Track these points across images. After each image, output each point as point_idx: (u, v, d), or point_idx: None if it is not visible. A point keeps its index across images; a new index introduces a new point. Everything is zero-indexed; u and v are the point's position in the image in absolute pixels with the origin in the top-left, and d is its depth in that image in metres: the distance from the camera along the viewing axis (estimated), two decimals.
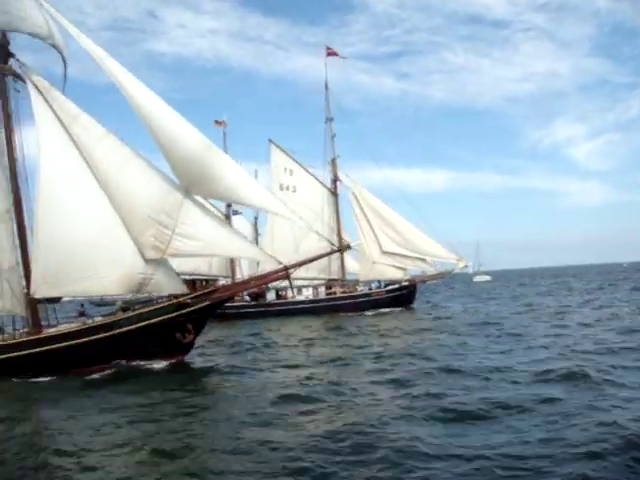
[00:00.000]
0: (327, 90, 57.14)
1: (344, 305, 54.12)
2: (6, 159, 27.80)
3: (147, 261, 26.89)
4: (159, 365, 26.53)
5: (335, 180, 58.53)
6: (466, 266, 55.70)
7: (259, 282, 30.76)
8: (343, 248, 29.38)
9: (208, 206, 34.83)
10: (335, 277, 56.62)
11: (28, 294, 27.20)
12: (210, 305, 27.56)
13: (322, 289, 55.74)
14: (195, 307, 27.03)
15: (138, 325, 26.38)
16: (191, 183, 26.96)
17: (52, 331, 26.76)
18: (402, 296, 55.62)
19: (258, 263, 40.53)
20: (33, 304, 27.43)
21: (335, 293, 56.12)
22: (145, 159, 27.37)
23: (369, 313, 51.81)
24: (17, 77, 28.26)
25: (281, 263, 28.75)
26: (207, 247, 27.65)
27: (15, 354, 25.81)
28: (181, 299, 27.08)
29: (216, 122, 60.77)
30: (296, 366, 25.15)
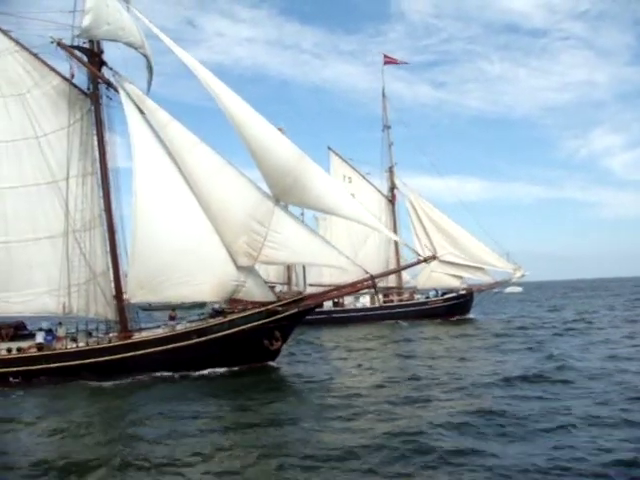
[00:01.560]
0: (384, 98, 57.59)
1: (401, 313, 54.34)
2: (98, 165, 28.53)
3: (239, 268, 27.43)
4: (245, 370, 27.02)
5: (392, 188, 58.87)
6: (523, 275, 55.59)
7: (346, 291, 31.16)
8: (429, 258, 29.64)
9: None
10: (392, 285, 56.92)
11: (120, 299, 27.91)
12: (298, 313, 27.96)
13: (379, 297, 55.86)
14: (284, 314, 27.42)
15: (230, 331, 26.79)
16: (282, 192, 27.46)
17: (144, 335, 27.26)
18: (459, 305, 55.77)
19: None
20: (122, 308, 28.08)
21: (392, 301, 56.39)
22: (235, 168, 27.93)
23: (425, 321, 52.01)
24: (109, 85, 28.95)
25: (367, 272, 29.21)
26: (297, 255, 28.18)
27: (107, 358, 26.33)
28: (270, 307, 27.50)
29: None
30: (362, 374, 25.77)
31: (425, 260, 29.77)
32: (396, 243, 56.89)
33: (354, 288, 30.12)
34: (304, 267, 59.08)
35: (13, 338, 28.02)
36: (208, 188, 27.34)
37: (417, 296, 58.39)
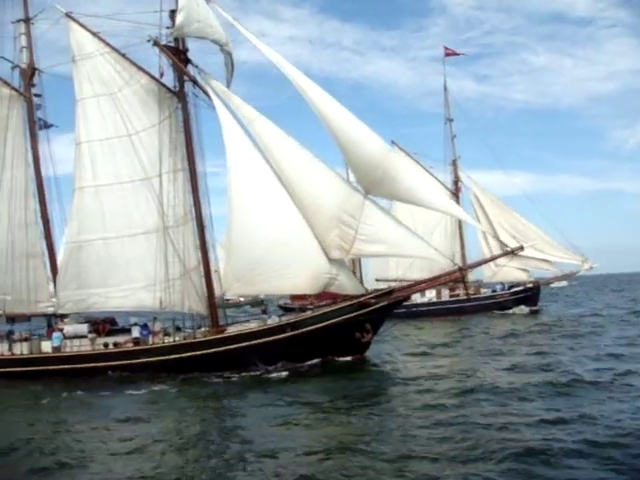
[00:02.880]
0: (446, 91, 57.64)
1: (468, 307, 54.14)
2: (186, 163, 29.08)
3: (330, 261, 27.71)
4: (343, 360, 27.38)
5: (456, 181, 58.81)
6: (591, 267, 55.05)
7: (433, 283, 31.28)
8: (516, 249, 29.58)
9: None
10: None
11: (211, 294, 28.42)
12: (388, 305, 28.15)
13: (445, 291, 55.88)
14: (375, 307, 27.61)
15: (323, 324, 27.06)
16: (371, 184, 27.67)
17: (239, 329, 27.67)
18: (526, 298, 55.44)
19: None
20: (213, 303, 28.58)
21: (458, 295, 56.24)
22: (323, 162, 28.26)
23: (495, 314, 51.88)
24: (195, 83, 29.49)
25: (456, 264, 29.31)
26: (388, 247, 28.32)
27: (202, 352, 26.76)
28: (362, 299, 27.72)
29: None
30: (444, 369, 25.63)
31: (513, 251, 29.70)
32: (461, 236, 56.84)
33: (443, 280, 30.22)
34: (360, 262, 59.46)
35: (109, 333, 28.71)
36: (298, 182, 27.68)
37: (483, 290, 58.20)
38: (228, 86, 30.51)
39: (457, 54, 56.30)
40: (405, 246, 28.29)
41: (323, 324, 27.02)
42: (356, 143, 27.48)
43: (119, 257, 28.15)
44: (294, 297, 52.50)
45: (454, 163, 59.06)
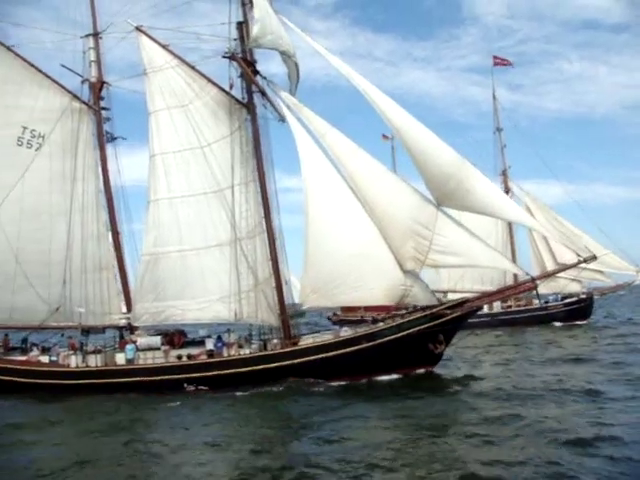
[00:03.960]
0: (495, 100, 57.67)
1: (520, 319, 53.92)
2: (257, 173, 29.35)
3: (405, 272, 27.76)
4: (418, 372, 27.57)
5: (507, 191, 58.46)
6: None
7: (507, 293, 31.22)
8: (589, 259, 29.40)
9: None
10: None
11: (283, 305, 28.58)
12: (461, 316, 28.11)
13: (497, 302, 55.51)
14: (449, 318, 27.59)
15: (397, 335, 27.06)
16: (444, 196, 27.72)
17: (314, 341, 27.72)
18: (580, 309, 55.00)
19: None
20: (285, 315, 28.71)
21: (511, 306, 55.93)
22: (394, 173, 28.41)
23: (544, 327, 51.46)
24: (264, 94, 29.78)
25: (528, 274, 29.23)
26: (463, 258, 28.28)
27: (277, 364, 26.81)
28: (435, 310, 27.71)
29: (383, 136, 61.91)
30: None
31: (585, 260, 29.54)
32: (512, 245, 56.59)
33: (515, 290, 30.17)
34: None
35: (182, 345, 28.93)
36: (371, 194, 27.83)
37: (535, 301, 57.70)
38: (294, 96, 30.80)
39: (506, 64, 56.13)
40: (479, 257, 28.28)
41: (398, 335, 27.03)
42: (430, 154, 27.59)
43: (195, 269, 28.39)
44: (345, 309, 52.72)
45: (504, 173, 58.95)
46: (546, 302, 56.87)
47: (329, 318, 58.57)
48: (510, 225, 57.04)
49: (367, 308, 45.83)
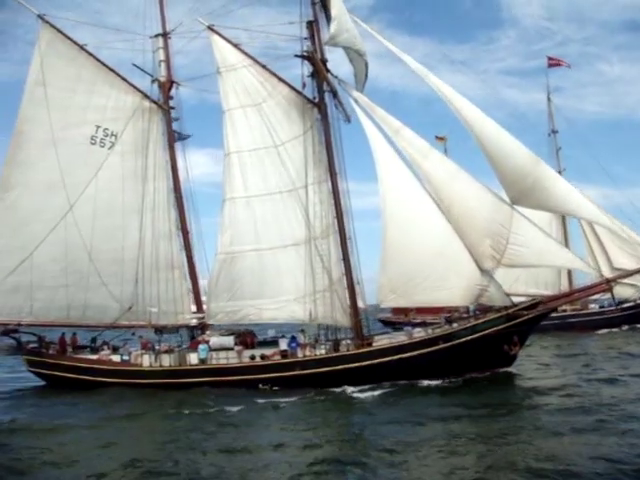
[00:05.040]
0: (550, 102, 57.40)
1: (575, 323, 53.41)
2: (328, 174, 29.47)
3: (481, 272, 27.74)
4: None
5: None
6: None
7: (581, 294, 31.10)
8: None
9: None
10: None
11: (355, 306, 28.69)
12: (536, 317, 28.00)
13: None
14: (524, 319, 27.50)
15: (474, 336, 27.02)
16: (520, 194, 27.66)
17: (389, 342, 27.75)
18: (638, 314, 54.31)
19: None
20: (358, 316, 28.82)
21: (565, 310, 55.39)
22: (468, 172, 28.42)
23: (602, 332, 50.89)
24: (335, 94, 29.94)
25: (602, 275, 29.05)
26: (539, 257, 28.19)
27: (351, 365, 26.84)
28: (510, 311, 27.63)
29: (437, 138, 61.68)
30: None
31: None
32: (567, 244, 56.07)
33: (589, 292, 30.00)
34: None
35: (254, 345, 29.17)
36: (447, 193, 27.86)
37: (591, 305, 57.22)
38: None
39: (561, 64, 55.65)
40: (554, 256, 28.27)
41: (474, 336, 27.00)
42: (505, 153, 27.58)
43: (272, 269, 28.60)
44: (396, 310, 52.63)
45: None
46: (601, 307, 56.28)
47: (381, 320, 58.41)
48: (564, 225, 56.60)
49: (418, 310, 45.78)
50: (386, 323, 55.03)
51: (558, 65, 55.57)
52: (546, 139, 58.19)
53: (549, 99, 57.87)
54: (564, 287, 53.30)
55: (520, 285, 46.66)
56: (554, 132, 58.23)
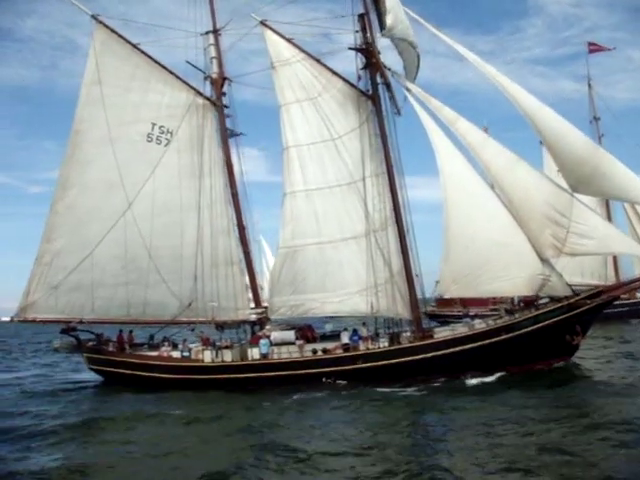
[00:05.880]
0: (590, 89, 57.08)
1: (619, 313, 52.98)
2: (385, 166, 29.70)
3: (543, 262, 27.81)
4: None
5: None
6: None
7: None
8: None
9: None
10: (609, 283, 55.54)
11: (414, 297, 28.89)
12: (598, 306, 28.01)
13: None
14: (587, 308, 27.53)
15: (536, 327, 27.09)
16: (579, 182, 27.69)
17: (452, 333, 27.86)
18: None
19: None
20: (417, 307, 29.03)
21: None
22: (527, 161, 28.50)
23: None
24: (388, 86, 30.14)
25: None
26: (600, 245, 28.18)
27: (414, 358, 26.97)
28: (572, 300, 27.67)
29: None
30: None
31: None
32: None
33: None
34: None
35: (315, 339, 29.43)
36: (507, 182, 27.98)
37: (639, 294, 56.76)
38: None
39: (603, 49, 55.14)
40: (616, 243, 28.32)
41: (537, 326, 27.07)
42: (563, 140, 27.58)
43: (333, 262, 28.88)
44: (441, 303, 52.63)
45: None
46: None
47: (425, 313, 58.29)
48: (609, 210, 56.24)
49: (465, 302, 45.76)
50: (431, 316, 54.98)
51: (600, 50, 55.01)
52: (587, 126, 57.86)
53: (590, 85, 57.53)
54: (610, 275, 53.01)
55: (565, 275, 46.39)
56: (596, 119, 57.88)
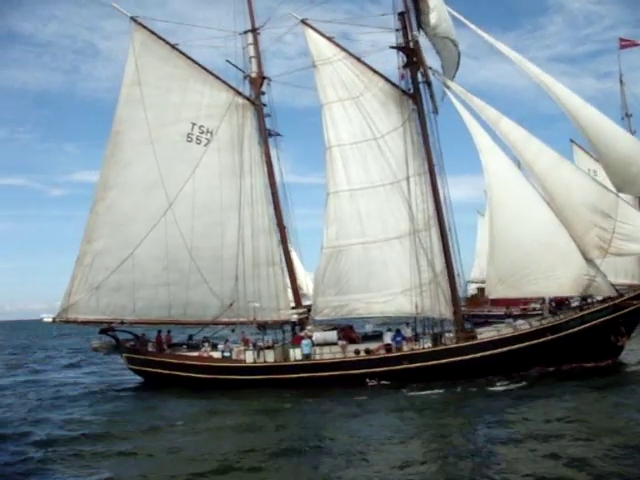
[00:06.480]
0: (622, 85, 56.54)
1: None
2: (426, 165, 29.71)
3: (588, 262, 27.75)
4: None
5: None
6: None
7: None
8: None
9: None
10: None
11: (455, 298, 28.88)
12: None
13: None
14: (632, 309, 27.44)
15: (582, 327, 27.04)
16: (624, 182, 27.67)
17: (501, 334, 27.69)
18: None
19: None
20: (459, 308, 29.02)
21: None
22: (570, 161, 28.47)
23: None
24: (429, 85, 30.14)
25: None
26: None
27: (457, 359, 26.94)
28: (617, 301, 27.61)
29: None
30: None
31: None
32: None
33: None
34: None
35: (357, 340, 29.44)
36: (550, 182, 27.94)
37: None
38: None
39: (636, 44, 54.53)
40: None
41: (582, 327, 27.02)
42: (608, 140, 27.58)
43: (378, 262, 28.87)
44: (471, 303, 52.41)
45: None
46: None
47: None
48: None
49: (494, 302, 45.59)
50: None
51: (633, 46, 54.28)
52: (620, 123, 57.45)
53: (621, 82, 56.93)
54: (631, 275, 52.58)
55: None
56: (628, 115, 57.30)
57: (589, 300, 29.25)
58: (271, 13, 31.33)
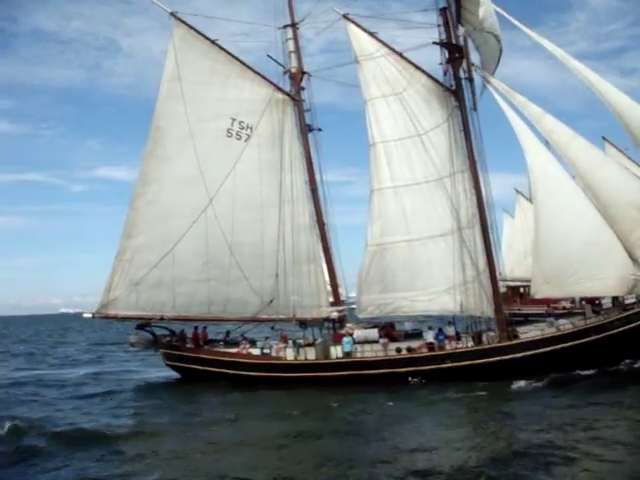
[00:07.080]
0: None
1: None
2: (465, 162, 29.59)
3: (634, 262, 27.57)
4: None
5: None
6: None
7: None
8: None
9: None
10: None
11: (497, 297, 28.79)
12: None
13: None
14: None
15: (627, 327, 26.85)
16: None
17: (545, 333, 27.48)
18: None
19: None
20: (500, 307, 28.91)
21: None
22: (613, 160, 28.32)
23: None
24: (471, 81, 30.03)
25: None
26: None
27: (499, 358, 26.82)
28: None
29: None
30: None
31: None
32: None
33: None
34: None
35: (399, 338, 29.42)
36: (595, 180, 27.71)
37: None
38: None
39: None
40: None
41: (629, 327, 26.86)
42: None
43: (422, 259, 28.77)
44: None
45: None
46: None
47: None
48: None
49: (524, 301, 45.50)
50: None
51: None
52: None
53: None
54: None
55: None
56: None
57: (620, 300, 28.83)
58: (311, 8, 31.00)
